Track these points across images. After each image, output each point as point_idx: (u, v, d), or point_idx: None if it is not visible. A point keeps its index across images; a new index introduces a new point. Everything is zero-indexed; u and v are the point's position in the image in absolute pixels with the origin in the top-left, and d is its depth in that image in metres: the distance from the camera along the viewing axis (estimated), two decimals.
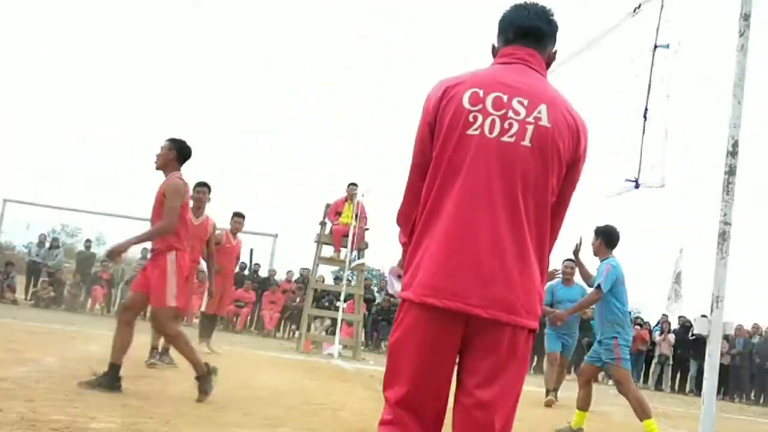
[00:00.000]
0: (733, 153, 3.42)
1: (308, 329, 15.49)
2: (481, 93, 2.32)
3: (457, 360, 2.34)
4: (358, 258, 14.81)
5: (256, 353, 11.92)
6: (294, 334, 18.33)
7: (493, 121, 2.29)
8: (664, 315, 19.95)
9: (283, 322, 19.70)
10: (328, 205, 14.99)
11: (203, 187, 8.33)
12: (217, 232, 9.03)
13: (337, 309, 14.87)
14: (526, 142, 2.28)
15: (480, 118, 2.30)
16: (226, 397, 6.21)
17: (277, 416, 5.54)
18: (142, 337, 10.79)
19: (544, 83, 2.43)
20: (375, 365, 13.05)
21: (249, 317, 19.60)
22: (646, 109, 4.28)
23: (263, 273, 21.04)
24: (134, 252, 21.69)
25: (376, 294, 21.51)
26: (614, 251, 6.90)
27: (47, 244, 20.48)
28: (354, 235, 14.25)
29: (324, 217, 15.01)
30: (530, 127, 2.29)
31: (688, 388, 18.46)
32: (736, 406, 15.83)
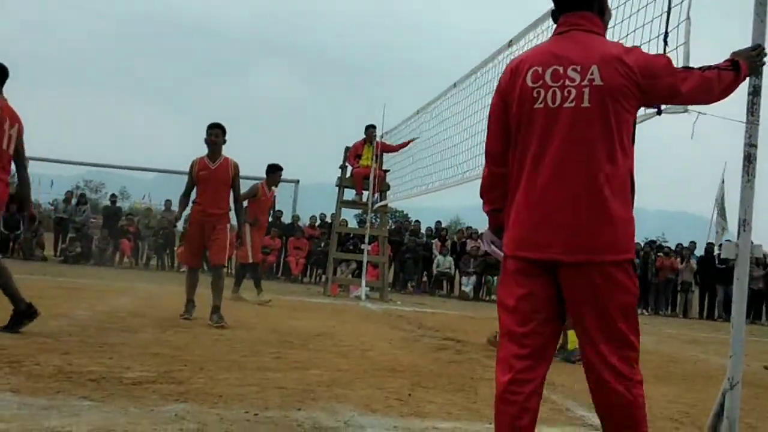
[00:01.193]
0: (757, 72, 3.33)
1: (334, 273, 15.60)
2: (540, 70, 2.62)
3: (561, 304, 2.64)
4: (380, 200, 14.81)
5: (284, 299, 12.05)
6: (320, 278, 18.49)
7: (554, 93, 2.59)
8: (692, 243, 19.88)
9: (309, 267, 19.86)
10: (347, 149, 14.94)
11: (215, 129, 7.89)
12: (250, 183, 8.95)
13: (361, 252, 14.95)
14: (586, 104, 2.55)
15: (542, 92, 2.60)
16: (257, 343, 6.30)
17: (307, 359, 5.62)
18: (172, 287, 10.95)
19: (596, 43, 2.65)
20: (402, 306, 13.18)
21: (275, 264, 19.79)
22: (666, 33, 4.17)
23: (287, 219, 21.14)
24: (159, 205, 21.88)
25: (407, 237, 21.34)
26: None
27: (74, 201, 20.69)
28: (375, 177, 14.23)
29: (344, 161, 14.98)
30: (586, 90, 2.56)
31: (716, 314, 18.50)
32: (766, 330, 15.83)
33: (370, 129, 14.57)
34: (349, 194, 15.22)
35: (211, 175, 7.73)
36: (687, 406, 4.96)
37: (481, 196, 2.94)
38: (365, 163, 14.41)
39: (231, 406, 3.76)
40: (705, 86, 2.67)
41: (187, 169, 8.00)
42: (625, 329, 2.55)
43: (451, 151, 10.42)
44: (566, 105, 2.57)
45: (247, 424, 3.44)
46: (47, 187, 27.95)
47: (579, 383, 3.46)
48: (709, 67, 2.71)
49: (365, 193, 14.66)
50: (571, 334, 7.16)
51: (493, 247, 2.97)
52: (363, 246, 14.93)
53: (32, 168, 22.40)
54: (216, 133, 7.86)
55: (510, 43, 8.08)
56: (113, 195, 22.41)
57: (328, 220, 19.33)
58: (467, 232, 20.60)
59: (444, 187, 10.82)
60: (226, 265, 7.90)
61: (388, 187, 14.76)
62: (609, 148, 2.55)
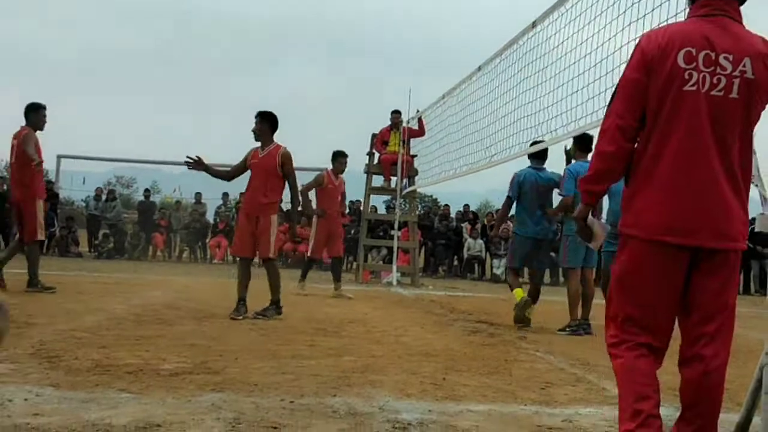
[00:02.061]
0: None
1: (365, 260, 15.63)
2: (693, 51, 2.59)
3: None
4: (409, 185, 14.79)
5: (317, 286, 12.10)
6: (352, 265, 18.54)
7: (704, 78, 2.58)
8: None
9: None
10: (374, 135, 14.92)
11: (256, 117, 7.71)
12: (316, 173, 8.72)
13: (392, 238, 14.96)
14: (734, 95, 2.57)
15: (694, 75, 2.58)
16: (291, 331, 6.34)
17: (341, 346, 5.64)
18: (205, 279, 11.04)
19: (745, 35, 2.65)
20: (434, 290, 13.17)
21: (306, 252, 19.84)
22: None
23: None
24: (189, 198, 22.01)
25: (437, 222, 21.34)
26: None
27: (104, 197, 20.94)
28: (403, 162, 14.21)
29: (371, 148, 14.96)
30: (737, 81, 2.57)
31: (753, 289, 18.24)
32: None
33: (395, 114, 14.53)
34: (378, 181, 15.22)
35: (260, 162, 7.59)
36: (725, 381, 4.90)
37: (599, 173, 2.80)
38: (392, 149, 14.38)
39: (267, 394, 3.79)
40: None
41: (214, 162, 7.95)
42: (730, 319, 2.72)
43: (477, 135, 10.40)
44: (714, 92, 2.58)
45: (283, 411, 3.46)
46: (79, 184, 28.33)
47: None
48: None
49: (393, 179, 14.64)
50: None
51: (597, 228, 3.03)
52: (393, 232, 14.92)
53: (64, 166, 22.85)
54: (256, 121, 7.70)
55: (534, 24, 8.00)
56: (147, 190, 22.68)
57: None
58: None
59: (471, 171, 10.80)
60: (275, 257, 7.66)
61: (416, 173, 14.73)
62: (743, 140, 2.63)
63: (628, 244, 2.72)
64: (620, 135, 2.71)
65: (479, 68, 10.42)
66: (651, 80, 2.64)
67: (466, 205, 21.74)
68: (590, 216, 2.98)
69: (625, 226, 2.73)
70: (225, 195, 20.13)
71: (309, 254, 11.04)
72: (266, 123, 7.68)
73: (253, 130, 7.69)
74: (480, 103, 10.32)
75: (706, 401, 2.69)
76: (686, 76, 2.58)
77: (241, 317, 7.11)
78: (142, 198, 22.49)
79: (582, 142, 7.38)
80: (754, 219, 3.79)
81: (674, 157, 2.60)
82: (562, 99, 7.05)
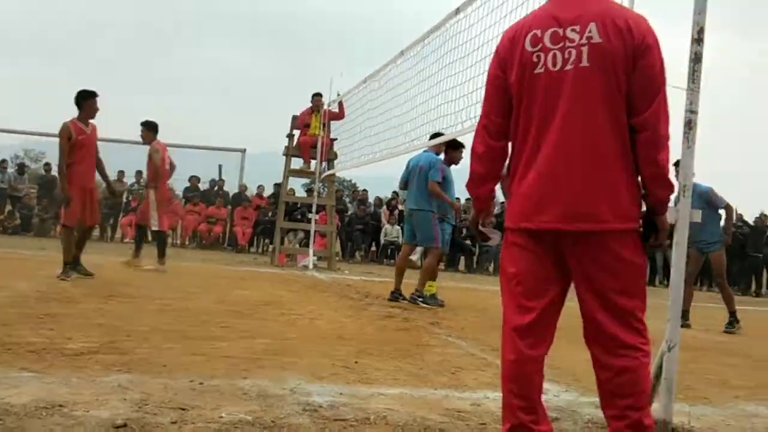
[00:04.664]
0: (698, 40, 3.38)
1: (282, 243, 15.52)
2: (539, 33, 2.54)
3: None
4: (328, 169, 14.75)
5: (230, 269, 11.96)
6: (268, 248, 18.39)
7: (554, 56, 2.50)
8: None
9: (256, 237, 19.72)
10: (294, 117, 14.80)
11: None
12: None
13: (309, 221, 14.90)
14: (585, 63, 2.45)
15: (542, 56, 2.51)
16: (204, 313, 6.24)
17: (254, 328, 5.59)
18: (114, 258, 10.75)
19: (595, 2, 2.54)
20: (350, 275, 13.19)
21: (222, 234, 19.61)
22: None
23: (233, 189, 20.87)
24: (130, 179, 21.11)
25: (348, 204, 21.49)
26: None
27: (10, 170, 20.08)
28: (322, 145, 14.15)
29: (291, 130, 14.84)
30: (584, 48, 2.46)
31: (657, 280, 18.93)
32: (705, 295, 16.25)
33: (316, 97, 14.45)
34: (297, 163, 15.12)
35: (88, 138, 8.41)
36: None
37: (475, 175, 2.77)
38: (313, 132, 14.30)
39: (176, 376, 3.72)
40: (663, 136, 2.48)
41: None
42: (627, 304, 2.53)
43: (399, 119, 10.40)
44: (567, 68, 2.48)
45: (192, 392, 3.41)
46: None
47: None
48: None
49: (313, 162, 14.57)
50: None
51: (489, 231, 2.94)
52: (310, 215, 14.87)
53: None
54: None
55: (458, 11, 8.06)
56: (47, 164, 21.33)
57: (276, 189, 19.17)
58: None
59: (392, 156, 10.81)
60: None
61: (336, 156, 14.69)
62: (612, 111, 2.45)
63: (506, 234, 2.69)
64: (487, 134, 2.70)
65: (402, 53, 10.43)
66: (507, 74, 2.61)
67: (395, 193, 21.37)
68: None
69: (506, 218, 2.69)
70: (138, 173, 19.54)
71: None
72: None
73: None
74: (403, 87, 10.33)
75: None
76: (534, 59, 2.52)
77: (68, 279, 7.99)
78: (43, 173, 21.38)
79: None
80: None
81: (534, 143, 2.53)
82: (482, 86, 7.12)
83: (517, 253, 2.61)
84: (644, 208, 2.58)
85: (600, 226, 2.47)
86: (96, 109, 8.50)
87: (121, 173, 19.73)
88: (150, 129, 10.30)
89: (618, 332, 2.51)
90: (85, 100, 8.40)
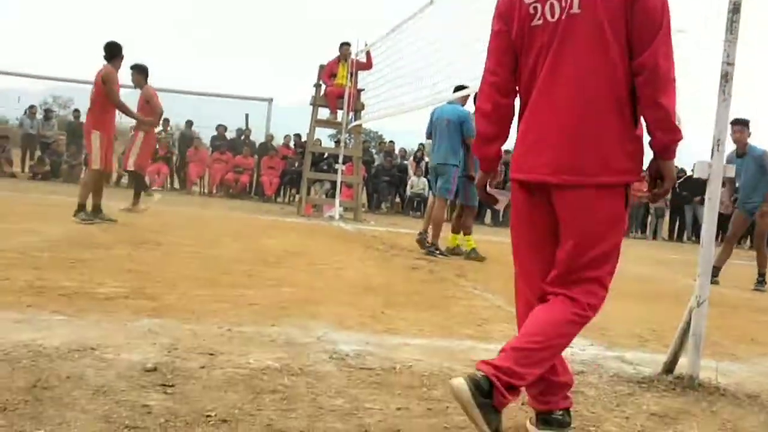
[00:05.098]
0: None
1: (308, 193, 15.55)
2: None
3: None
4: (355, 119, 14.68)
5: (257, 218, 12.02)
6: (294, 198, 18.44)
7: (552, 6, 2.46)
8: None
9: (282, 187, 19.77)
10: (321, 67, 14.69)
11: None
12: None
13: (336, 172, 14.89)
14: (575, 9, 2.41)
15: (539, 7, 2.48)
16: (231, 261, 6.29)
17: (281, 277, 5.63)
18: (141, 205, 10.85)
19: None
20: (376, 226, 13.22)
21: (249, 183, 19.69)
22: None
23: (260, 138, 20.88)
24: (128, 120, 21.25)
25: (375, 156, 21.41)
26: None
27: (39, 116, 20.21)
28: (349, 96, 14.06)
29: (318, 79, 14.75)
30: None
31: (685, 236, 18.79)
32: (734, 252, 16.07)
33: (344, 47, 14.32)
34: (324, 113, 15.05)
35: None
36: (654, 323, 5.07)
37: (483, 135, 2.69)
38: (340, 82, 14.21)
39: (204, 322, 3.77)
40: (663, 76, 2.35)
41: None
42: (596, 265, 2.45)
43: (426, 71, 10.27)
44: (564, 16, 2.43)
45: (220, 338, 3.45)
46: (14, 102, 27.25)
47: None
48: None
49: (340, 113, 14.51)
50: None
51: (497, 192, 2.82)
52: (337, 166, 14.85)
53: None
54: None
55: None
56: (76, 110, 21.38)
57: (303, 139, 19.11)
58: None
59: (418, 108, 10.70)
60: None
61: (363, 107, 14.60)
62: (606, 59, 2.38)
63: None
64: (495, 91, 2.61)
65: (431, 1, 10.26)
66: (510, 28, 2.56)
67: (421, 145, 21.21)
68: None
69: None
70: (166, 121, 19.56)
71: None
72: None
73: None
74: (429, 39, 10.19)
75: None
76: (531, 11, 2.49)
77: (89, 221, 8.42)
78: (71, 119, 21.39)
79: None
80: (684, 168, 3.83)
81: (535, 94, 2.49)
82: None
83: (518, 204, 2.61)
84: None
85: (586, 179, 2.40)
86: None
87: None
88: (141, 73, 10.24)
89: (571, 286, 2.46)
90: (121, 52, 8.98)
